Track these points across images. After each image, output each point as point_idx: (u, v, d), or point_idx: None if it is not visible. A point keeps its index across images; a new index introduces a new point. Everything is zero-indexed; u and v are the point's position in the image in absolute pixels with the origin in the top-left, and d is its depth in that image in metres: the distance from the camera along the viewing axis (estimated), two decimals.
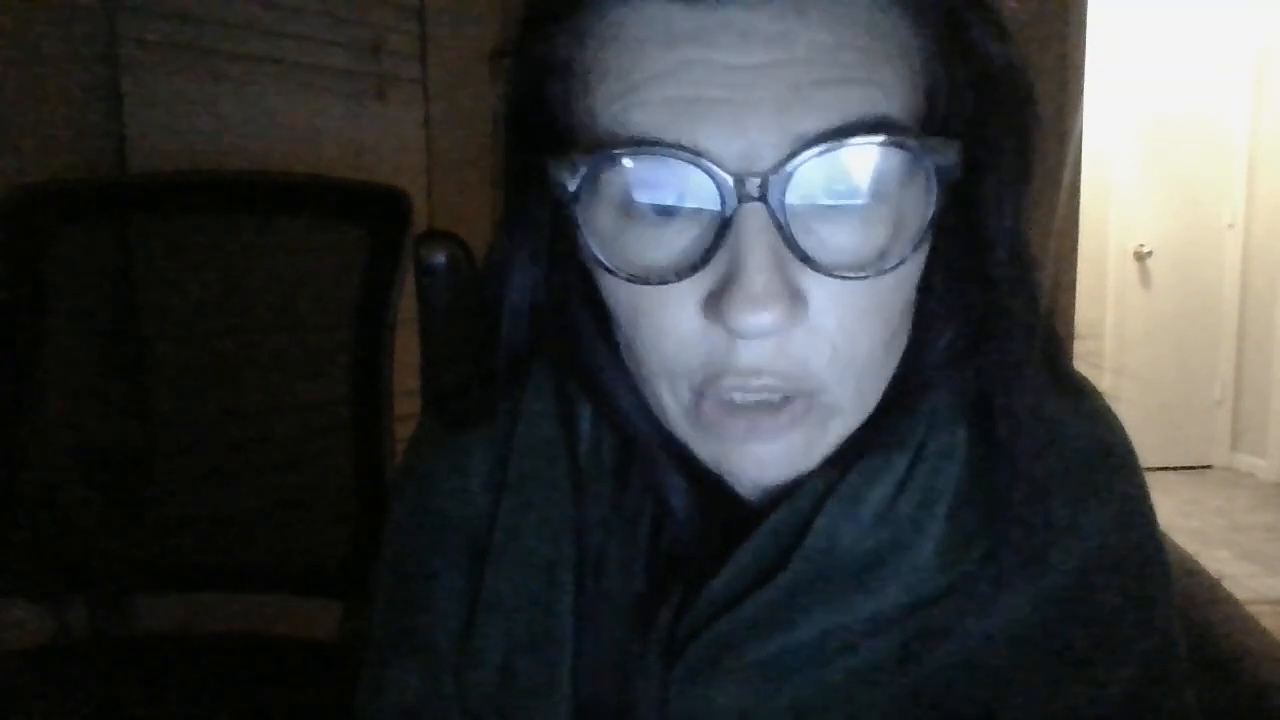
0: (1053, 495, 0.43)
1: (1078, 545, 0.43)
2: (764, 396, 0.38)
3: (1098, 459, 0.45)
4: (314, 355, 1.15)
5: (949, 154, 0.36)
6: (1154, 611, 0.45)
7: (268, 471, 1.16)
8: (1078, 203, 2.25)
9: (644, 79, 0.35)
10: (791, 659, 0.42)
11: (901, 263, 0.36)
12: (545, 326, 0.47)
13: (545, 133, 0.41)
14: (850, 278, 0.35)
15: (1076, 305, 2.38)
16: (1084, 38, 2.18)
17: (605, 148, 0.36)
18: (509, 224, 0.46)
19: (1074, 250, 2.31)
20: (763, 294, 0.34)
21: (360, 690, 0.50)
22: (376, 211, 1.12)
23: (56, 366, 1.13)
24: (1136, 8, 4.03)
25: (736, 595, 0.42)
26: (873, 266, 0.36)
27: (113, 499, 1.16)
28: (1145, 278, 4.34)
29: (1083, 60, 2.18)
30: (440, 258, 0.91)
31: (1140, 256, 4.32)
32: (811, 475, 0.42)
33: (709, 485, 0.44)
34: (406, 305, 1.06)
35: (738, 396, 0.38)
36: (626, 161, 0.35)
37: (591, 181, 0.37)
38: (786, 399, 0.38)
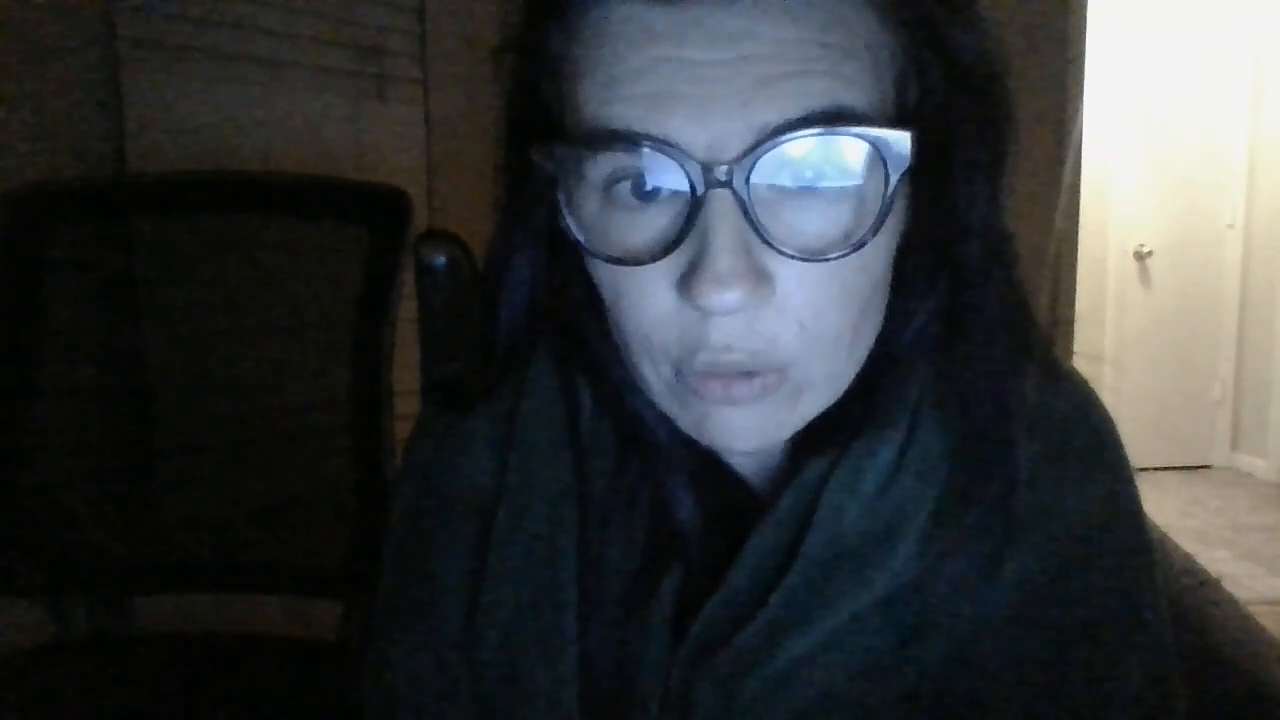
0: (1038, 477, 0.44)
1: (1062, 527, 0.45)
2: (736, 370, 0.40)
3: (1082, 441, 0.47)
4: (314, 355, 1.15)
5: (903, 143, 0.37)
6: (1142, 599, 0.46)
7: (268, 471, 1.16)
8: (1078, 203, 2.25)
9: (622, 75, 0.37)
10: (805, 661, 0.43)
11: (861, 245, 0.38)
12: (546, 315, 0.49)
13: (540, 125, 0.43)
14: (813, 260, 0.38)
15: (1076, 305, 2.38)
16: (1084, 38, 2.18)
17: (586, 139, 0.39)
18: (509, 216, 0.48)
19: (1074, 250, 2.31)
20: (728, 273, 0.37)
21: (366, 665, 0.51)
22: (376, 211, 1.12)
23: (56, 366, 1.13)
24: (1136, 8, 4.03)
25: (752, 589, 0.43)
26: (835, 249, 0.38)
27: (113, 499, 1.16)
28: (1145, 278, 4.34)
29: (1083, 61, 2.18)
30: (440, 258, 0.91)
31: (1140, 256, 4.32)
32: (813, 459, 0.44)
33: (709, 464, 0.46)
34: (406, 305, 1.07)
35: (713, 369, 0.40)
36: (607, 151, 0.38)
37: (574, 171, 0.39)
38: (757, 373, 0.40)
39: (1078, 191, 2.24)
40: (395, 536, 0.52)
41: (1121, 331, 4.29)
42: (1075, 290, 2.33)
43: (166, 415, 1.17)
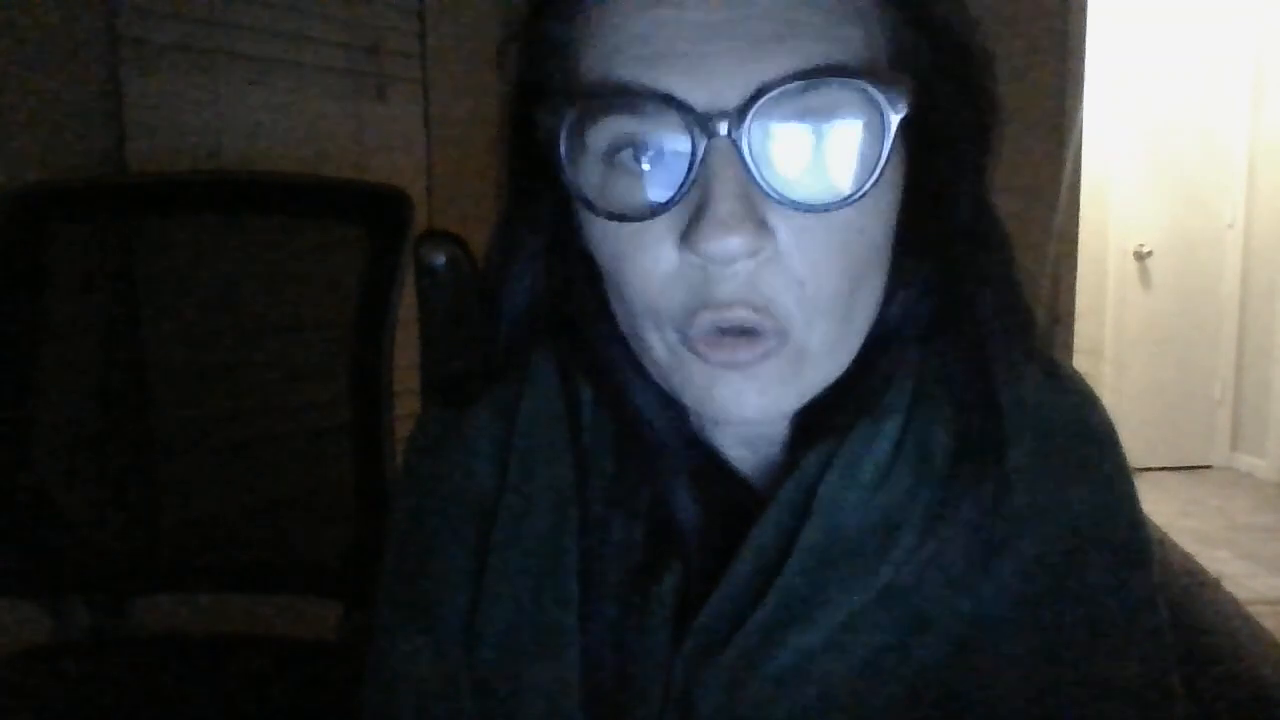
0: (1037, 476, 0.45)
1: (1062, 526, 0.45)
2: (738, 329, 0.40)
3: (1081, 441, 0.47)
4: (314, 355, 1.15)
5: (901, 94, 0.38)
6: (1141, 599, 0.46)
7: (268, 471, 1.16)
8: (1078, 203, 2.25)
9: (624, 41, 0.39)
10: (807, 659, 0.43)
11: (859, 198, 0.38)
12: (547, 314, 0.49)
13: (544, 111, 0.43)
14: (812, 211, 0.38)
15: (1076, 305, 2.38)
16: (1084, 38, 2.18)
17: (589, 97, 0.40)
18: (510, 215, 0.48)
19: (1074, 250, 2.31)
20: (729, 218, 0.37)
21: (367, 665, 0.51)
22: (376, 211, 1.12)
23: (56, 366, 1.13)
24: (1136, 8, 4.03)
25: (752, 586, 0.43)
26: (833, 202, 0.39)
27: (113, 499, 1.16)
28: (1145, 278, 4.34)
29: (1083, 60, 2.19)
30: (440, 258, 0.91)
31: (1140, 256, 4.32)
32: (811, 451, 0.44)
33: (709, 463, 0.47)
34: (407, 305, 1.07)
35: (716, 327, 0.40)
36: (608, 113, 0.39)
37: (577, 140, 0.40)
38: (759, 334, 0.40)
39: (1078, 191, 2.24)
40: (396, 536, 0.53)
41: (1121, 331, 4.29)
42: (1075, 290, 2.33)
43: (166, 415, 1.18)
